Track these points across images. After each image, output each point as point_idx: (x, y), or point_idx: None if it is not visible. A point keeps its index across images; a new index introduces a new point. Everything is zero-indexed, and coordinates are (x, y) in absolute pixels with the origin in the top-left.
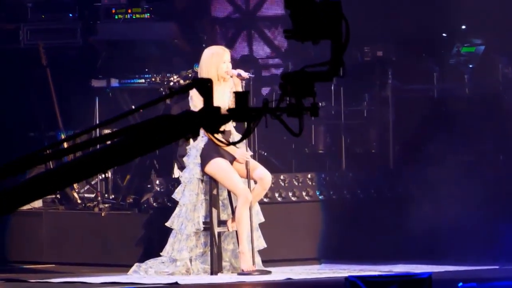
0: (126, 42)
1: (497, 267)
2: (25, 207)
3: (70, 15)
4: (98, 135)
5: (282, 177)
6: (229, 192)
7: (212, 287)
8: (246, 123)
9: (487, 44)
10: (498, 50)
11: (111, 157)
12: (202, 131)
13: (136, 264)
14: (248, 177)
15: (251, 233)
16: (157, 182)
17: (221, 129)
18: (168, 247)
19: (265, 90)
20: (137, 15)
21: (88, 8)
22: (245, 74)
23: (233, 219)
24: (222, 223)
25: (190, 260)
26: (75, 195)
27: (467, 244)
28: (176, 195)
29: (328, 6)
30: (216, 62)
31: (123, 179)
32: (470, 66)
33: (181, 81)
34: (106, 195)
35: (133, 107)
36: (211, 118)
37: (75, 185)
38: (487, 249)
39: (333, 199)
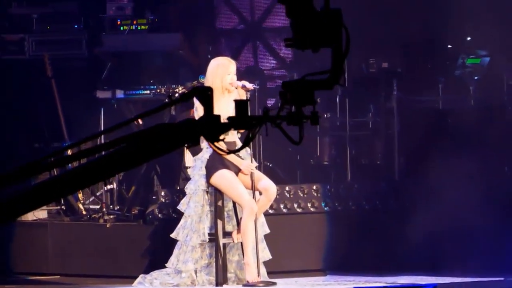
0: (131, 53)
1: (502, 278)
2: (30, 218)
3: (76, 26)
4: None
5: (287, 188)
6: (234, 204)
7: None
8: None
9: (492, 56)
10: (503, 61)
11: (112, 164)
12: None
13: (141, 275)
14: (253, 188)
15: (256, 245)
16: (162, 193)
17: (222, 138)
18: (173, 258)
19: (270, 102)
20: (142, 27)
21: (93, 19)
22: (250, 86)
23: (238, 231)
24: (227, 234)
25: (195, 272)
26: (80, 206)
27: (472, 255)
28: (182, 206)
29: (329, 14)
30: (221, 73)
31: (128, 191)
32: (475, 77)
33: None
34: (111, 206)
35: (139, 120)
36: (211, 126)
37: (80, 196)
38: (492, 261)
39: (338, 211)
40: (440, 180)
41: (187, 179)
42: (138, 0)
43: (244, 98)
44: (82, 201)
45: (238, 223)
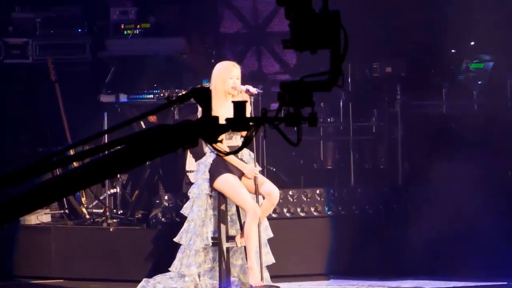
0: (135, 58)
1: (505, 283)
2: (34, 222)
3: (79, 30)
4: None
5: (290, 192)
6: (237, 208)
7: None
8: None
9: (496, 61)
10: (506, 66)
11: (112, 165)
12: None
13: (145, 279)
14: (256, 192)
15: (260, 249)
16: (166, 197)
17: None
18: (176, 262)
19: (274, 106)
20: (146, 31)
21: (97, 23)
22: (254, 90)
23: (242, 235)
24: (230, 238)
25: (199, 276)
26: (84, 210)
27: (476, 260)
28: (185, 210)
29: (328, 16)
30: (223, 76)
31: (132, 195)
32: (479, 82)
33: None
34: (114, 210)
35: (141, 122)
36: (209, 127)
37: (83, 200)
38: (496, 265)
39: (341, 215)
40: (443, 185)
41: (191, 183)
42: (142, 5)
43: (248, 102)
44: (85, 205)
45: (242, 227)
